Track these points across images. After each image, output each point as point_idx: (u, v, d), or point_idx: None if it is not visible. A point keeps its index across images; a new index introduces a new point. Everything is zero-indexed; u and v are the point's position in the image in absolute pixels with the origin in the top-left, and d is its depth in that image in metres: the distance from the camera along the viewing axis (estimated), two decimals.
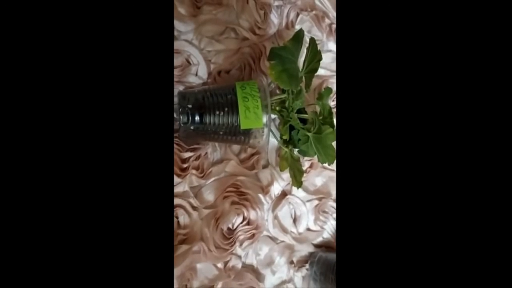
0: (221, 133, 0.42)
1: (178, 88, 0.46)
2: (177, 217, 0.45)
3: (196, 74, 0.47)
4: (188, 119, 0.41)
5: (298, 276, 0.52)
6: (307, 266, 0.53)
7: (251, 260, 0.50)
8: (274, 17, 0.51)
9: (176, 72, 0.46)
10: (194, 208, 0.46)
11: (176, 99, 0.43)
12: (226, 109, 0.41)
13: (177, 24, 0.47)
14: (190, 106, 0.41)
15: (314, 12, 0.53)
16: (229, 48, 0.49)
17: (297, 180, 0.45)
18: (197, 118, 0.41)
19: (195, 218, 0.45)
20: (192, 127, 0.42)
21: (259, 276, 0.50)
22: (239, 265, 0.49)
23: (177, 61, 0.46)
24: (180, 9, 0.46)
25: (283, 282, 0.51)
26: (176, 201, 0.45)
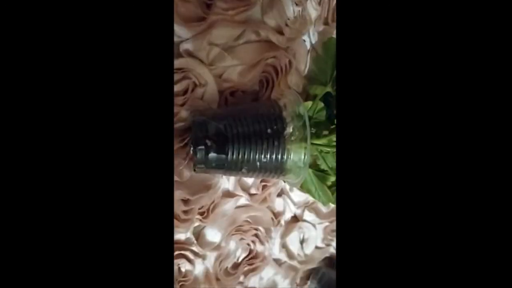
0: (244, 169, 0.33)
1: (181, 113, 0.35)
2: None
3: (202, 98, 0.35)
4: (207, 158, 0.31)
5: None
6: (309, 282, 0.52)
7: (253, 284, 0.48)
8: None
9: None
10: (196, 254, 0.40)
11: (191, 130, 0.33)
12: (265, 145, 0.31)
13: (177, 29, 0.33)
14: (209, 142, 0.31)
15: None
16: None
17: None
18: (221, 156, 0.31)
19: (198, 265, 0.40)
20: (213, 165, 0.32)
21: None
22: None
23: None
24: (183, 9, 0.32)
25: None
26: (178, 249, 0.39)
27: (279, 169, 0.33)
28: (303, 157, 0.32)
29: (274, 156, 0.32)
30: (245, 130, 0.32)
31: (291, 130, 0.32)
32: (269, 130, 0.32)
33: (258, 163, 0.32)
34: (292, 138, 0.33)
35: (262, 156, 0.32)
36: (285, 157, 0.32)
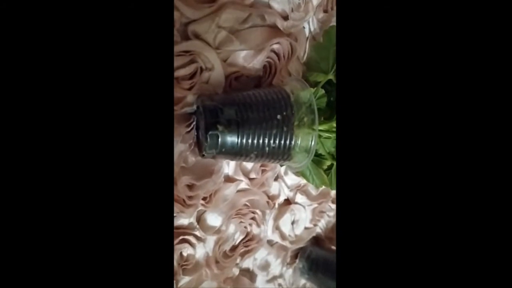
0: (253, 154, 0.34)
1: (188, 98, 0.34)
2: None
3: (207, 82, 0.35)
4: (217, 143, 0.31)
5: (289, 273, 0.54)
6: (297, 260, 0.54)
7: (248, 264, 0.49)
8: None
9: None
10: (198, 239, 0.40)
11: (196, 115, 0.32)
12: (274, 131, 0.32)
13: (187, 10, 0.31)
14: (221, 127, 0.31)
15: None
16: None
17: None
18: (233, 140, 0.32)
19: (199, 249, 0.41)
20: (224, 150, 0.32)
21: (251, 275, 0.51)
22: (237, 272, 0.48)
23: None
24: None
25: (274, 278, 0.53)
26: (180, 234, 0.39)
27: (286, 154, 0.34)
28: (310, 142, 0.34)
29: (282, 142, 0.33)
30: (256, 116, 0.32)
31: (298, 115, 0.33)
32: (278, 116, 0.32)
33: (267, 148, 0.33)
34: (298, 123, 0.33)
35: (272, 141, 0.33)
36: (293, 142, 0.33)
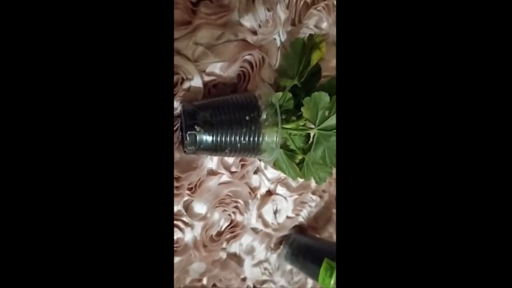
0: (227, 150, 0.40)
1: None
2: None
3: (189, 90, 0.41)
4: (196, 141, 0.38)
5: (273, 257, 0.59)
6: (282, 246, 0.60)
7: (234, 249, 0.55)
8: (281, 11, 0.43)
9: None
10: (186, 224, 0.47)
11: (180, 118, 0.38)
12: (244, 130, 0.38)
13: None
14: (198, 128, 0.37)
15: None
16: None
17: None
18: (208, 138, 0.38)
19: (187, 233, 0.47)
20: (201, 147, 0.38)
21: (239, 259, 0.56)
22: (224, 256, 0.54)
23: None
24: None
25: (260, 262, 0.59)
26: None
27: (255, 149, 0.40)
28: (275, 139, 0.40)
29: (252, 139, 0.39)
30: (228, 117, 0.38)
31: (265, 117, 0.39)
32: (247, 117, 0.38)
33: (238, 145, 0.39)
34: (266, 123, 0.40)
35: (242, 138, 0.39)
36: (260, 139, 0.39)
